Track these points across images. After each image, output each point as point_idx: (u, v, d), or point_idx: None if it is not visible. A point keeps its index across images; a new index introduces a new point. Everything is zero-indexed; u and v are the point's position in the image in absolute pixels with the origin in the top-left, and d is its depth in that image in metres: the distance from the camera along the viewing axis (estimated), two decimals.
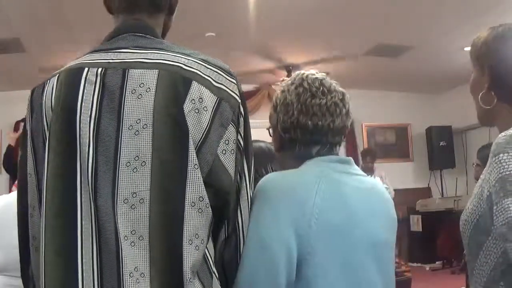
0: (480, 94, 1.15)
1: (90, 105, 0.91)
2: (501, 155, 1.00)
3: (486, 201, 1.03)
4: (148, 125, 0.88)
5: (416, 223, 6.98)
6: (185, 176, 0.88)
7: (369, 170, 6.36)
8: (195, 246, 0.87)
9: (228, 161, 0.94)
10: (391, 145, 7.99)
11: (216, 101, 0.93)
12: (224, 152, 0.93)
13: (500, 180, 0.98)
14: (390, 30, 5.02)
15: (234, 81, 0.99)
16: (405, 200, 6.76)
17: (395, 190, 6.28)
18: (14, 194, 2.19)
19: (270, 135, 1.32)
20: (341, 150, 1.51)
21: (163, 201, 0.87)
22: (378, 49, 5.66)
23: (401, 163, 7.88)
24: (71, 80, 0.95)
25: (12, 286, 1.60)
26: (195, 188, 0.88)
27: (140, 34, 1.01)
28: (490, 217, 1.01)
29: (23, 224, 1.04)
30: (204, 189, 0.89)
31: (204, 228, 0.90)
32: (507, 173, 0.98)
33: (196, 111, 0.90)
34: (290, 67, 6.20)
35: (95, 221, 0.87)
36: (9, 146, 5.06)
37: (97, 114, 0.90)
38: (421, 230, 6.88)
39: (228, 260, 0.99)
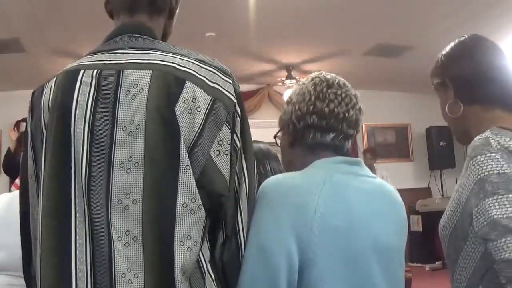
0: (447, 104, 1.18)
1: (85, 106, 0.91)
2: (478, 157, 1.00)
3: (464, 205, 1.02)
4: (141, 126, 0.88)
5: (416, 223, 6.98)
6: (177, 177, 0.87)
7: (369, 168, 6.35)
8: (187, 248, 0.86)
9: (222, 163, 0.92)
10: (391, 145, 7.98)
11: (210, 101, 0.92)
12: (217, 153, 0.91)
13: (479, 181, 0.97)
14: (390, 30, 5.02)
15: (230, 81, 0.97)
16: (405, 200, 6.65)
17: None
18: (15, 193, 2.20)
19: (277, 144, 1.30)
20: None
21: (155, 202, 0.86)
22: (378, 49, 5.65)
23: (401, 163, 7.88)
24: (67, 82, 0.95)
25: (13, 286, 1.60)
26: (187, 189, 0.87)
27: (137, 35, 1.01)
28: (468, 221, 1.00)
29: (25, 224, 1.05)
30: (196, 190, 0.88)
31: (197, 230, 0.88)
32: (485, 173, 0.97)
33: (189, 111, 0.89)
34: (290, 67, 6.21)
35: (88, 222, 0.87)
36: (9, 149, 5.07)
37: (91, 115, 0.91)
38: (421, 230, 6.88)
39: (227, 262, 0.97)
